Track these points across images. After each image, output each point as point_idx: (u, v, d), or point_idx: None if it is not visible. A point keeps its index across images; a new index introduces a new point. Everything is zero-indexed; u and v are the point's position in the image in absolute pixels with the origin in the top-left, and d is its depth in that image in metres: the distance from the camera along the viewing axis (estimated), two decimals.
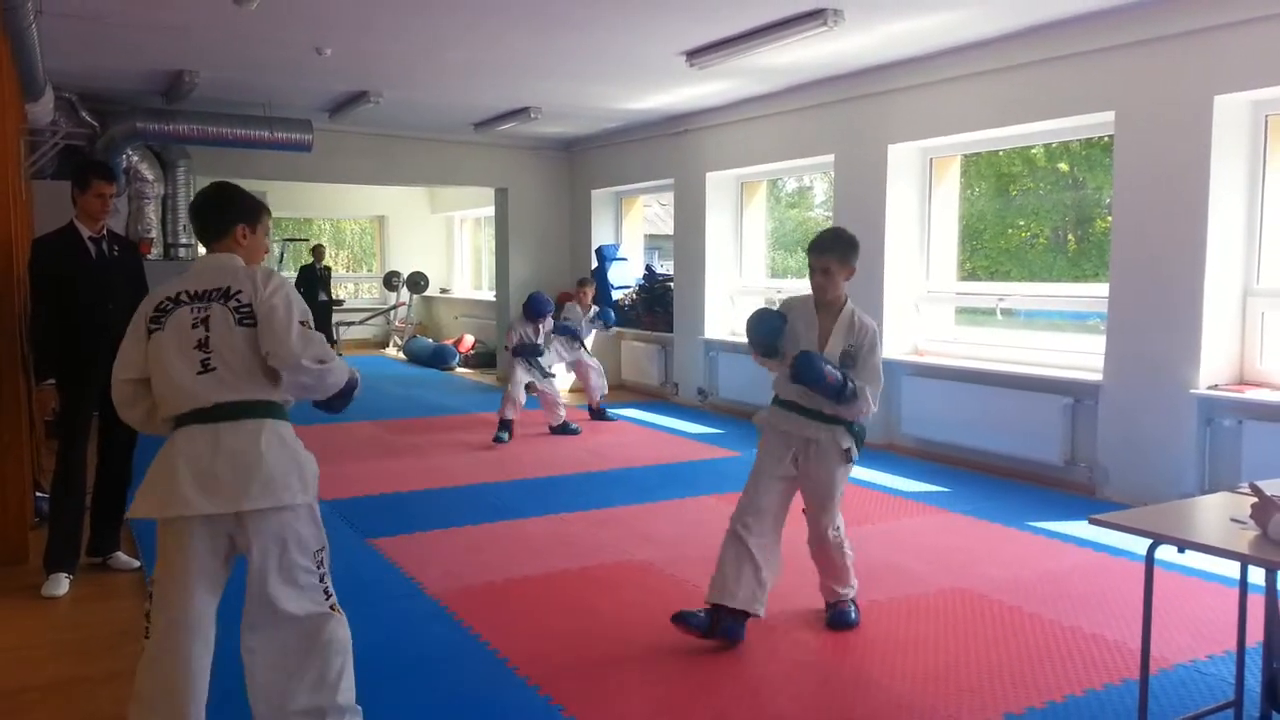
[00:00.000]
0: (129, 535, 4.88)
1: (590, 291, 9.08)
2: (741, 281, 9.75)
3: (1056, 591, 4.30)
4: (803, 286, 4.05)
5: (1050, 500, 5.99)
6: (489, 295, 14.28)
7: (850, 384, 3.62)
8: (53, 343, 4.33)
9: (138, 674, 2.60)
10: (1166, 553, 2.59)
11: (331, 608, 2.68)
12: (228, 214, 2.79)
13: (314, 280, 13.31)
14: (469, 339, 14.26)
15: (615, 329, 9.51)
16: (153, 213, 9.63)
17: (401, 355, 15.03)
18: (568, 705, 3.19)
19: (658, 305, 10.69)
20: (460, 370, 13.39)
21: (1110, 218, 6.17)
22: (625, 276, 11.40)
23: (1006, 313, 7.35)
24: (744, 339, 3.90)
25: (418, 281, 15.77)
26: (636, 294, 11.11)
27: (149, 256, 9.15)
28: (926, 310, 7.64)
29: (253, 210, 2.85)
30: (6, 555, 4.64)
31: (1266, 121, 5.53)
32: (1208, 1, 5.37)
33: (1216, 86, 5.40)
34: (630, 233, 11.98)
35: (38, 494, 5.31)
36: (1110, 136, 6.10)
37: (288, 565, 2.59)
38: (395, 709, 3.15)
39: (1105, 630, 3.83)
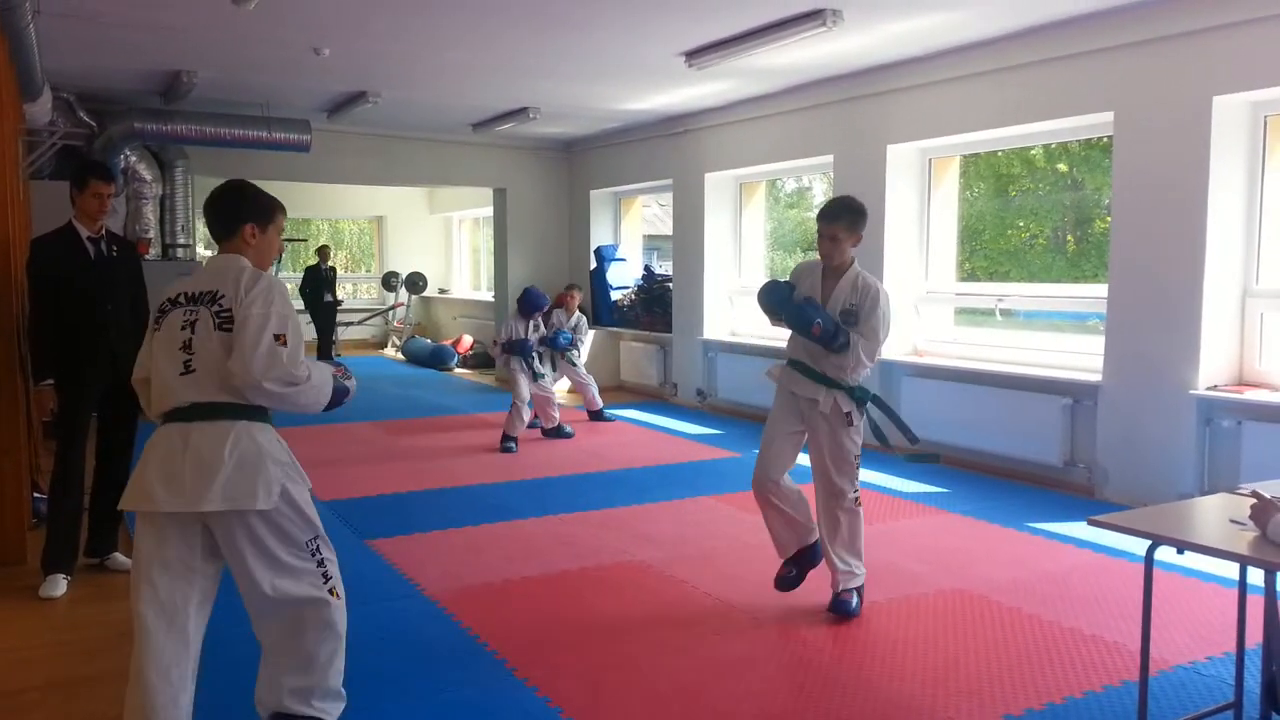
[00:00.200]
0: (127, 536, 4.86)
1: (576, 297, 8.91)
2: (740, 282, 9.71)
3: (1056, 592, 4.30)
4: None
5: (1049, 501, 5.98)
6: (488, 296, 14.27)
7: (840, 333, 3.76)
8: (51, 343, 4.32)
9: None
10: (1166, 554, 2.59)
11: (331, 592, 2.69)
12: (235, 213, 2.76)
13: (320, 281, 13.24)
14: (467, 339, 14.24)
15: (571, 350, 8.54)
16: (150, 213, 9.63)
17: (400, 356, 15.01)
18: (567, 705, 3.19)
19: (656, 306, 10.68)
20: (459, 371, 13.38)
21: (1109, 218, 6.17)
22: (624, 277, 11.40)
23: (1006, 313, 7.34)
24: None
25: (416, 282, 15.76)
26: (635, 294, 11.10)
27: (147, 256, 9.13)
28: (926, 311, 7.64)
29: (264, 210, 2.80)
30: (4, 556, 4.64)
31: (1265, 122, 5.53)
32: (1207, 2, 5.37)
33: (1215, 87, 5.40)
34: (629, 233, 11.98)
35: (36, 495, 5.30)
36: (1109, 137, 6.10)
37: (269, 555, 2.60)
38: (395, 709, 3.15)
39: (1104, 631, 3.83)
